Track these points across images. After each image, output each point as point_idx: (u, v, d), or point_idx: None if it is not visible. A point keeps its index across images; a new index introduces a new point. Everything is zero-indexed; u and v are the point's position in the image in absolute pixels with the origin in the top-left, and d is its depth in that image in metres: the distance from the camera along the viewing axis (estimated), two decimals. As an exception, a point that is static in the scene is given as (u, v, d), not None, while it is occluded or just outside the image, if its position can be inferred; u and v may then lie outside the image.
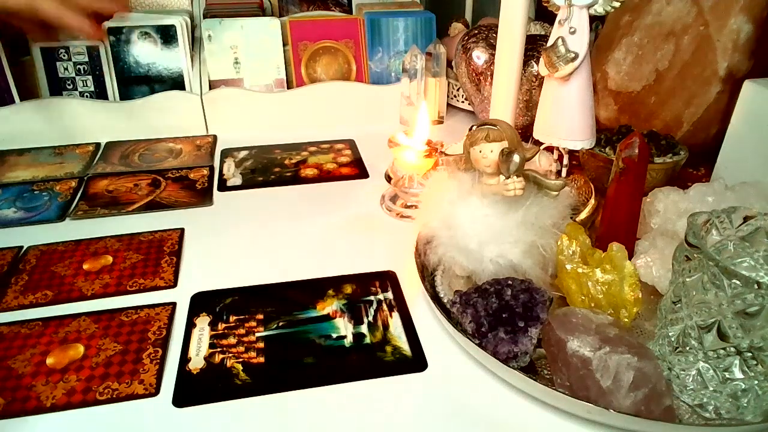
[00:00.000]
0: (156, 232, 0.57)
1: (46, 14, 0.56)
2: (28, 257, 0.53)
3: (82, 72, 0.76)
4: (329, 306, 0.47)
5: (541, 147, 0.51)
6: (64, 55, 0.75)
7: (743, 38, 0.60)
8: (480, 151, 0.44)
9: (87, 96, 0.76)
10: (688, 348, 0.36)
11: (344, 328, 0.45)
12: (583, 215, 0.54)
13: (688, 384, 0.37)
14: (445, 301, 0.46)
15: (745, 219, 0.37)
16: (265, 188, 0.67)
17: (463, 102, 0.87)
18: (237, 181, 0.68)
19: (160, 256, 0.54)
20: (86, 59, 0.75)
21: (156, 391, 0.39)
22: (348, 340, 0.44)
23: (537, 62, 0.66)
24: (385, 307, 0.47)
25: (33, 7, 0.55)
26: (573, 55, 0.47)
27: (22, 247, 0.55)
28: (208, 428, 0.37)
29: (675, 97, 0.66)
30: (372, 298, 0.48)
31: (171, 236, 0.57)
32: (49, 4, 0.55)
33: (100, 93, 0.77)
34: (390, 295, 0.48)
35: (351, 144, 0.78)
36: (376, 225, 0.59)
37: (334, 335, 0.44)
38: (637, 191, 0.47)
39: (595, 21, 0.68)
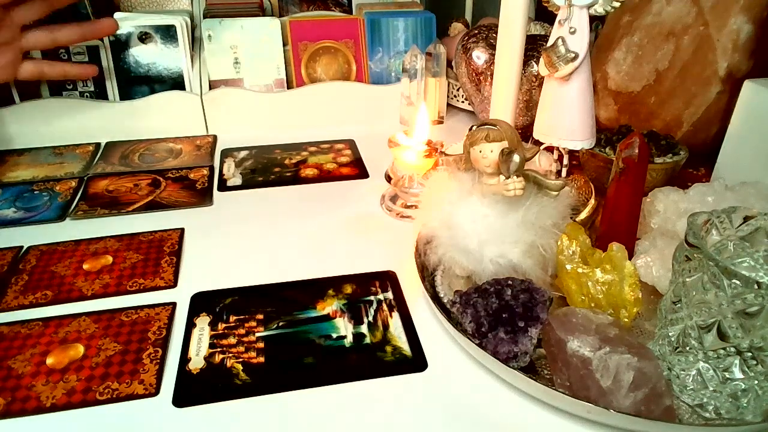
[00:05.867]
0: (156, 232, 0.57)
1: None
2: (28, 257, 0.53)
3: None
4: (329, 306, 0.47)
5: (541, 147, 0.51)
6: (64, 55, 0.75)
7: (743, 38, 0.60)
8: (480, 151, 0.44)
9: (87, 96, 0.76)
10: (688, 348, 0.36)
11: (344, 328, 0.45)
12: (583, 215, 0.54)
13: (688, 384, 0.37)
14: (445, 301, 0.46)
15: (745, 219, 0.37)
16: (265, 188, 0.67)
17: (463, 102, 0.87)
18: (237, 181, 0.68)
19: (160, 256, 0.54)
20: (86, 59, 0.75)
21: (156, 391, 0.39)
22: (348, 340, 0.44)
23: (537, 62, 0.66)
24: (385, 307, 0.47)
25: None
26: (573, 55, 0.47)
27: (22, 247, 0.55)
28: (208, 428, 0.37)
29: (675, 97, 0.66)
30: (372, 298, 0.48)
31: (171, 236, 0.57)
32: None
33: (100, 93, 0.77)
34: (390, 295, 0.48)
35: (351, 144, 0.78)
36: (376, 225, 0.59)
37: (334, 335, 0.44)
38: (637, 191, 0.47)
39: (595, 21, 0.68)
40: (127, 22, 0.75)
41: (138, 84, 0.77)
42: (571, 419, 0.37)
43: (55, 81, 0.75)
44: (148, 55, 0.77)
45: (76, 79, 0.70)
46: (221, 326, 0.45)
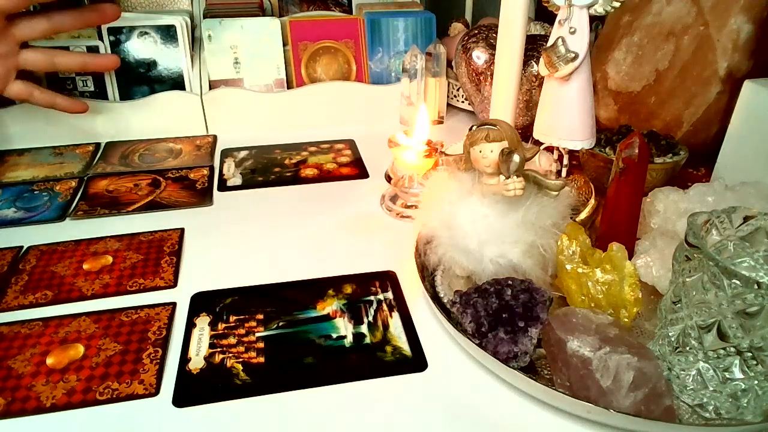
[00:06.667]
0: (156, 232, 0.57)
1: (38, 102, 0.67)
2: (28, 257, 0.53)
3: (82, 72, 0.76)
4: (329, 306, 0.47)
5: (541, 147, 0.51)
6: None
7: (743, 38, 0.60)
8: (480, 151, 0.44)
9: (87, 96, 0.76)
10: (688, 348, 0.36)
11: (344, 328, 0.45)
12: (583, 215, 0.54)
13: (688, 384, 0.37)
14: (445, 301, 0.46)
15: (745, 219, 0.37)
16: (265, 188, 0.67)
17: (463, 102, 0.87)
18: (237, 181, 0.68)
19: (160, 256, 0.54)
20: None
21: (156, 391, 0.39)
22: (348, 340, 0.44)
23: (537, 62, 0.66)
24: (385, 307, 0.47)
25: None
26: (573, 55, 0.47)
27: (22, 247, 0.55)
28: (208, 428, 0.37)
29: (675, 97, 0.66)
30: (372, 298, 0.48)
31: (171, 236, 0.57)
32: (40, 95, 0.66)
33: (100, 93, 0.77)
34: (390, 295, 0.48)
35: (351, 144, 0.78)
36: (376, 225, 0.59)
37: (334, 335, 0.44)
38: (637, 191, 0.47)
39: (595, 21, 0.68)
40: (126, 22, 0.75)
41: (138, 84, 0.77)
42: (571, 419, 0.37)
43: (54, 81, 0.75)
44: (148, 55, 0.77)
45: (65, 112, 0.70)
46: (221, 326, 0.45)
